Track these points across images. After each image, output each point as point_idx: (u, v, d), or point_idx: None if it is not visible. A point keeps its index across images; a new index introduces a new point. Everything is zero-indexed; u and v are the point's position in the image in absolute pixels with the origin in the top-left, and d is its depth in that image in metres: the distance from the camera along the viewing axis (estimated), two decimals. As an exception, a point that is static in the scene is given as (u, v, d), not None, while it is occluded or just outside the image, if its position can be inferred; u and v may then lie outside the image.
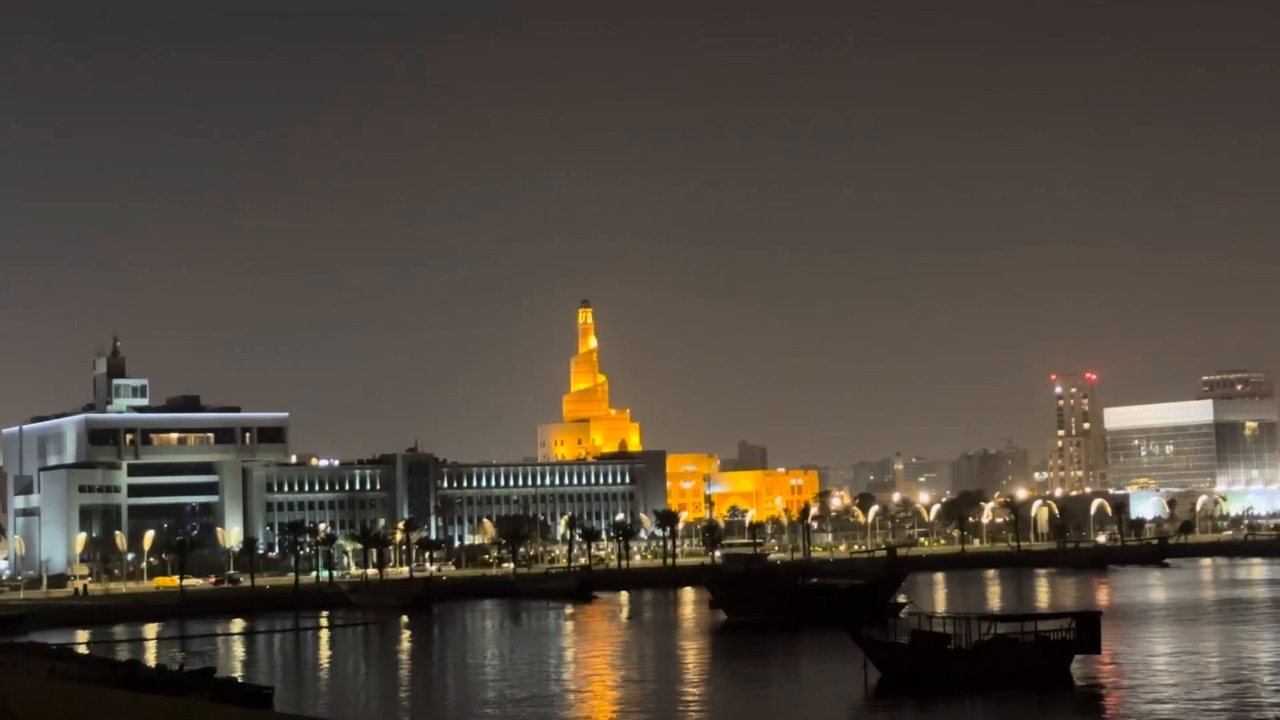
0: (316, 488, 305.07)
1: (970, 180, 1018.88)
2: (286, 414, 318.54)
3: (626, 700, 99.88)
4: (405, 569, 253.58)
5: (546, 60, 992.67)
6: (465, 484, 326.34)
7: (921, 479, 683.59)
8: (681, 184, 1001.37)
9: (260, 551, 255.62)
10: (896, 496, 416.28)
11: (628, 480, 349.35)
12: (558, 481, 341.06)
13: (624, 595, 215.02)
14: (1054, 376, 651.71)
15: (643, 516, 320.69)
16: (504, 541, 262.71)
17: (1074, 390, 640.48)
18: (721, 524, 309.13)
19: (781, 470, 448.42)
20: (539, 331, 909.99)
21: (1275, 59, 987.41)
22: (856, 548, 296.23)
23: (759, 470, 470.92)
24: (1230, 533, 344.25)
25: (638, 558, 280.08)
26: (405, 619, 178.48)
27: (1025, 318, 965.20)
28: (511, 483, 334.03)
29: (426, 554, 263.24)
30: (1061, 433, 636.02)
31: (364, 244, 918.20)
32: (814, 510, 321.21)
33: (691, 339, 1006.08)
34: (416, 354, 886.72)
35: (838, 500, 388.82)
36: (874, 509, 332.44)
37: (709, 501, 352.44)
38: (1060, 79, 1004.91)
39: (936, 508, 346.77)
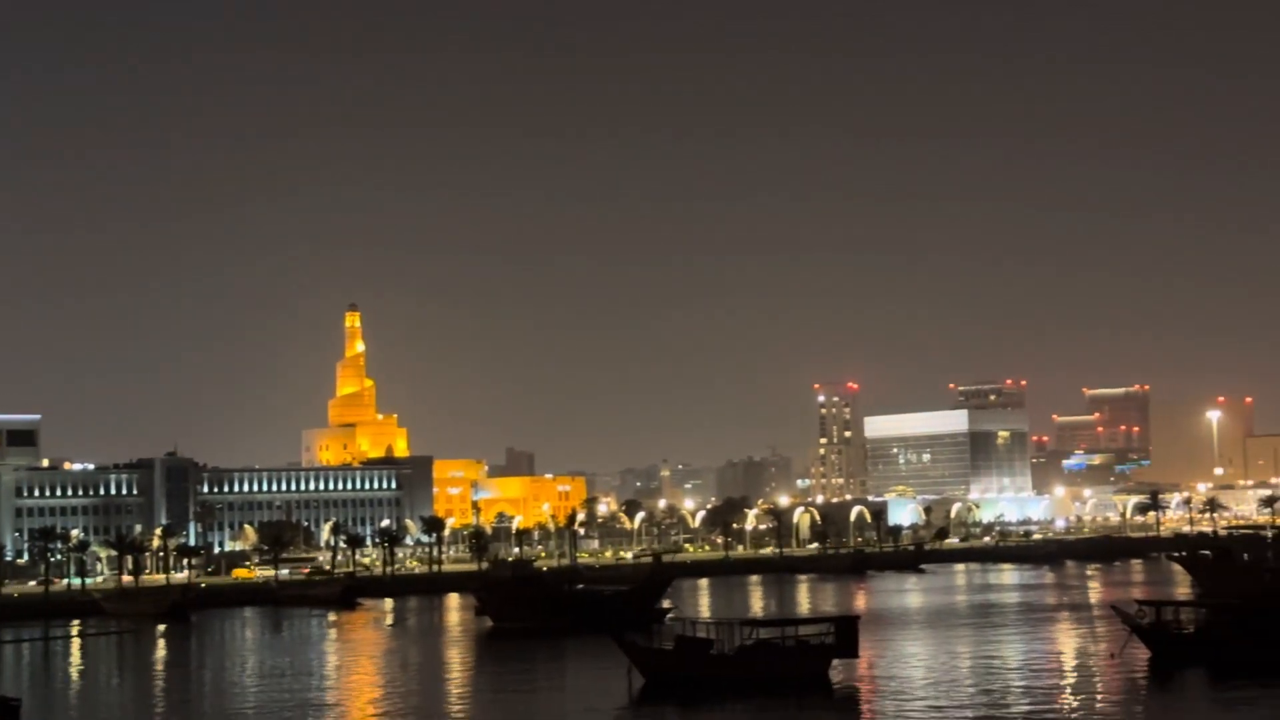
0: (70, 492, 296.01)
1: (735, 188, 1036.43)
2: (38, 416, 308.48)
3: (390, 708, 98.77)
4: (162, 576, 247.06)
5: (313, 70, 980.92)
6: (226, 489, 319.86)
7: (687, 486, 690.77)
8: (448, 193, 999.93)
9: (9, 559, 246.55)
10: (662, 503, 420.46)
11: (394, 486, 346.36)
12: (322, 487, 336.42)
13: (389, 602, 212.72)
14: (816, 385, 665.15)
15: (409, 522, 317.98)
16: (265, 548, 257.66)
17: (836, 399, 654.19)
18: (489, 530, 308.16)
19: (549, 476, 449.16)
20: (305, 336, 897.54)
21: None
22: (623, 554, 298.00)
23: (526, 476, 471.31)
24: (984, 539, 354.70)
25: (404, 564, 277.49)
26: (161, 627, 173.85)
27: (789, 327, 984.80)
28: (274, 488, 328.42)
29: (186, 560, 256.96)
30: (823, 441, 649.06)
31: (126, 247, 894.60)
32: (581, 516, 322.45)
33: (459, 345, 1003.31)
34: (179, 358, 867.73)
35: (605, 506, 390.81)
36: (640, 515, 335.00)
37: (476, 507, 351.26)
38: (807, 82, 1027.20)
39: (702, 514, 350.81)
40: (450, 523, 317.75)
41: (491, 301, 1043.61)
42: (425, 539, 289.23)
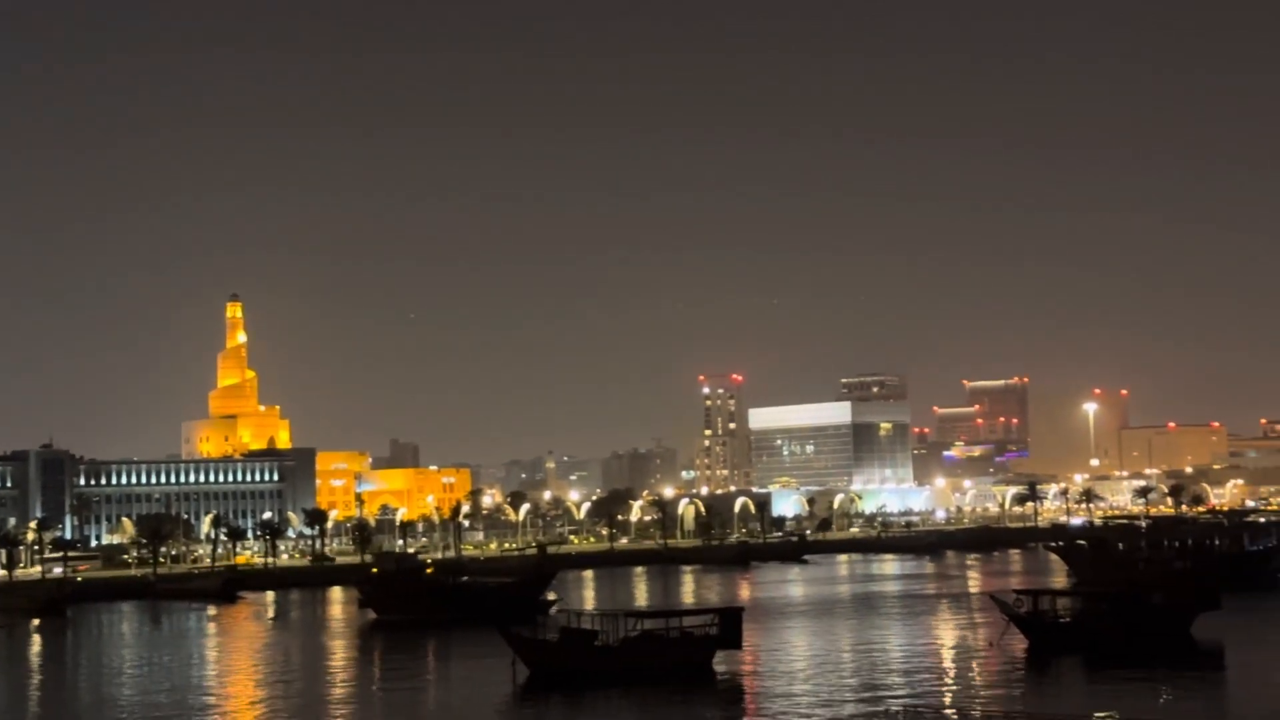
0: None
1: (619, 183, 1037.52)
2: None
3: (271, 702, 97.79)
4: (37, 569, 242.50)
5: (192, 68, 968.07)
6: (104, 481, 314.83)
7: (573, 477, 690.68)
8: (331, 191, 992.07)
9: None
10: (548, 495, 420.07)
11: (276, 478, 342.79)
12: (203, 479, 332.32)
13: (270, 595, 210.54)
14: (702, 377, 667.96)
15: (291, 515, 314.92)
16: (144, 541, 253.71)
17: (721, 391, 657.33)
18: (372, 522, 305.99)
19: (434, 468, 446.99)
20: (187, 329, 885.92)
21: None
22: (508, 546, 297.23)
23: (411, 468, 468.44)
24: (867, 530, 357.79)
25: (285, 557, 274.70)
26: (36, 622, 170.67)
27: (674, 320, 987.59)
28: (154, 480, 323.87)
29: (63, 554, 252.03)
30: (709, 432, 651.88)
31: (3, 241, 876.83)
32: (466, 508, 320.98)
33: (344, 338, 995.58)
34: (57, 350, 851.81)
35: (490, 498, 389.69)
36: (525, 507, 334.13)
37: (360, 500, 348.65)
38: (702, 79, 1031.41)
39: (587, 506, 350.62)
40: (333, 515, 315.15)
41: (376, 295, 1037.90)
42: (308, 531, 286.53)
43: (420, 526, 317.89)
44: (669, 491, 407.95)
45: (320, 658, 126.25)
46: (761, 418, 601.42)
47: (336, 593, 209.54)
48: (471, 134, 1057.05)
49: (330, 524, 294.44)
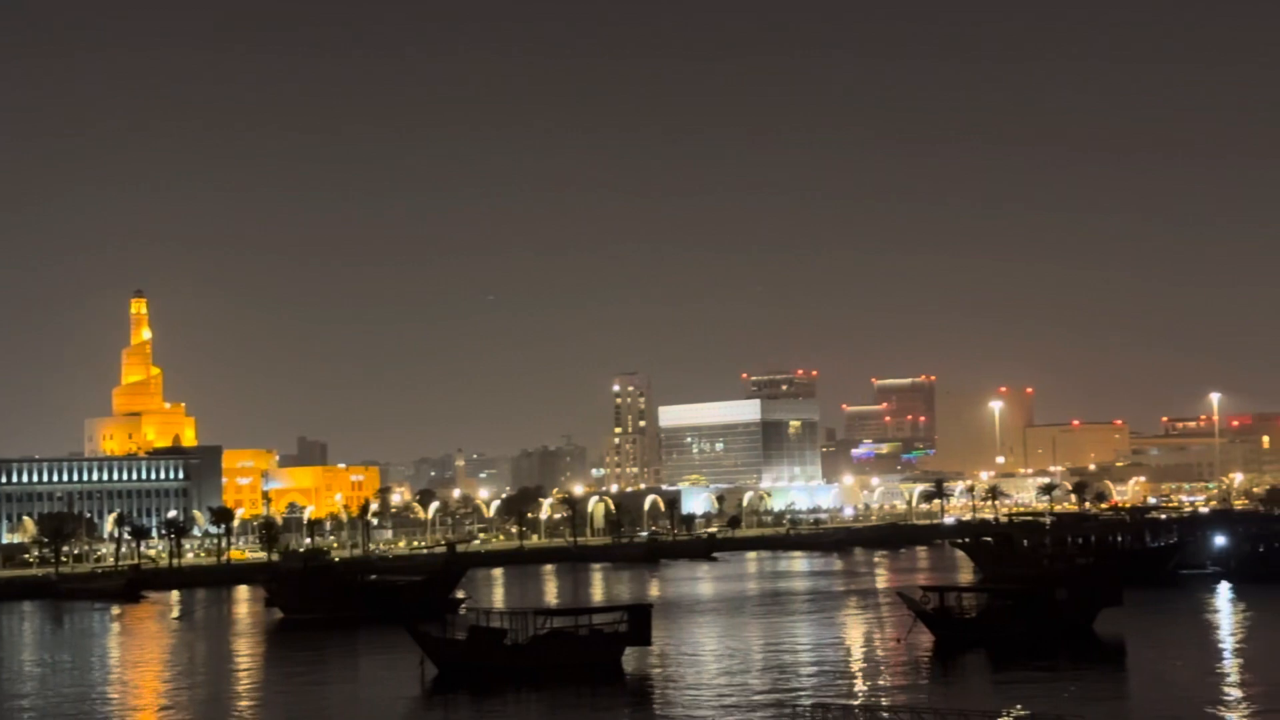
0: None
1: (528, 182, 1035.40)
2: None
3: (175, 702, 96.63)
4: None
5: (103, 65, 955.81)
6: (5, 480, 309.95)
7: (482, 475, 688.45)
8: (236, 188, 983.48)
9: None
10: (457, 493, 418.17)
11: (181, 476, 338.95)
12: (106, 477, 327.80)
13: (175, 594, 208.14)
14: (612, 375, 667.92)
15: (196, 513, 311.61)
16: (46, 540, 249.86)
17: (631, 389, 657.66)
18: (280, 520, 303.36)
19: (342, 466, 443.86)
20: (90, 326, 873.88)
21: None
22: (416, 544, 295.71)
23: (319, 466, 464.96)
24: (776, 527, 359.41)
25: (190, 556, 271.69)
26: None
27: (585, 317, 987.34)
28: (55, 478, 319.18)
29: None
30: (618, 430, 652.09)
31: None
32: (374, 506, 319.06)
33: (251, 335, 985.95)
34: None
35: (399, 496, 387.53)
36: (434, 505, 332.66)
37: (267, 498, 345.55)
38: (603, 77, 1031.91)
39: (496, 504, 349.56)
40: (240, 513, 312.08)
41: (282, 291, 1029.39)
42: (214, 530, 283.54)
43: (328, 525, 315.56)
44: (579, 489, 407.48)
45: (225, 657, 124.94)
46: (671, 415, 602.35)
47: (243, 591, 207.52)
48: (379, 132, 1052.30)
49: (237, 522, 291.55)
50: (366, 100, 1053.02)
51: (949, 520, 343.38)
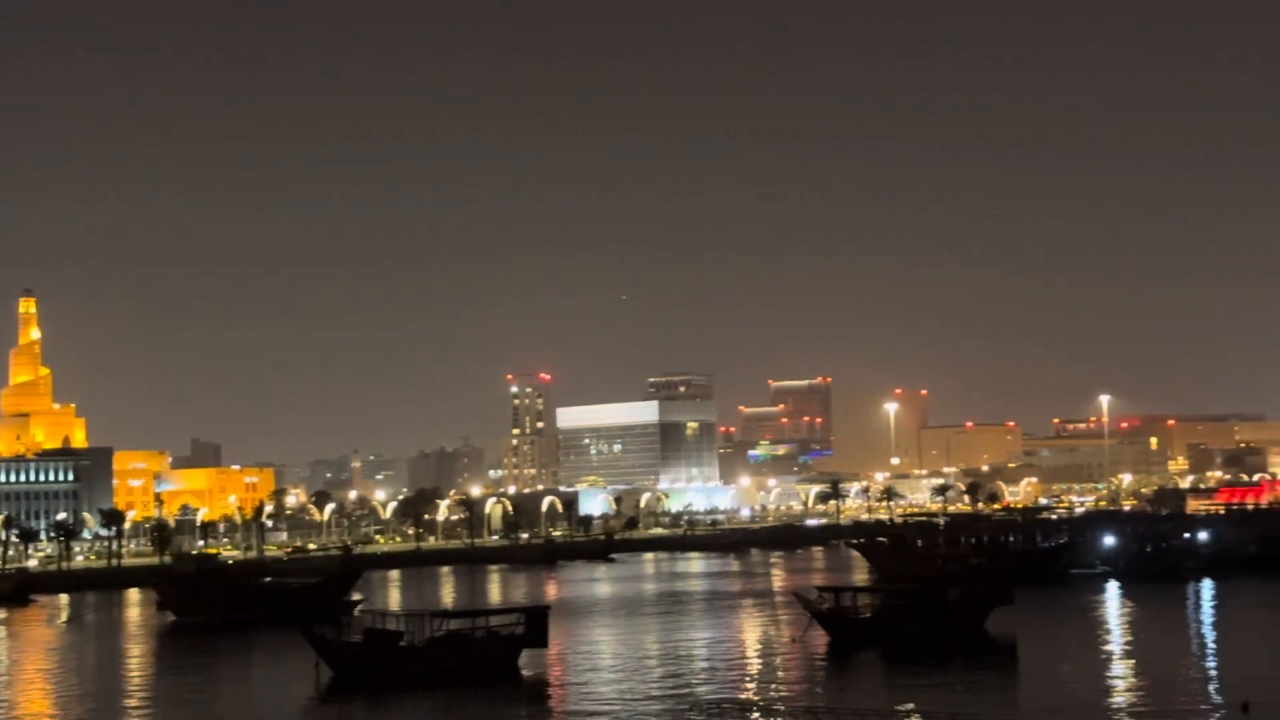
0: None
1: (425, 185, 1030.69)
2: None
3: (64, 706, 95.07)
4: None
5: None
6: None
7: (379, 477, 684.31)
8: (130, 189, 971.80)
9: None
10: (353, 494, 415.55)
11: (71, 478, 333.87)
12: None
13: (64, 598, 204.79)
14: (510, 376, 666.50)
15: (86, 516, 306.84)
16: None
17: (529, 390, 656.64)
18: (172, 523, 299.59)
19: (236, 468, 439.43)
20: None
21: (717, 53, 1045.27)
22: (312, 546, 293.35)
23: (213, 468, 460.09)
24: (673, 528, 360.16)
25: (81, 559, 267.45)
26: None
27: (483, 318, 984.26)
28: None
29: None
30: (516, 431, 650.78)
31: None
32: (269, 508, 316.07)
33: (143, 335, 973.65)
34: None
35: (294, 498, 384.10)
36: (330, 507, 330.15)
37: (159, 500, 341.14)
38: (500, 81, 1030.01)
39: (393, 505, 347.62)
40: (131, 516, 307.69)
41: (176, 292, 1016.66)
42: (104, 532, 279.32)
43: (222, 527, 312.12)
44: (476, 491, 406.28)
45: (116, 661, 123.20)
46: (569, 417, 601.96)
47: (134, 595, 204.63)
48: (279, 139, 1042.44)
49: (128, 525, 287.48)
50: (263, 106, 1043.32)
51: (811, 523, 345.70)
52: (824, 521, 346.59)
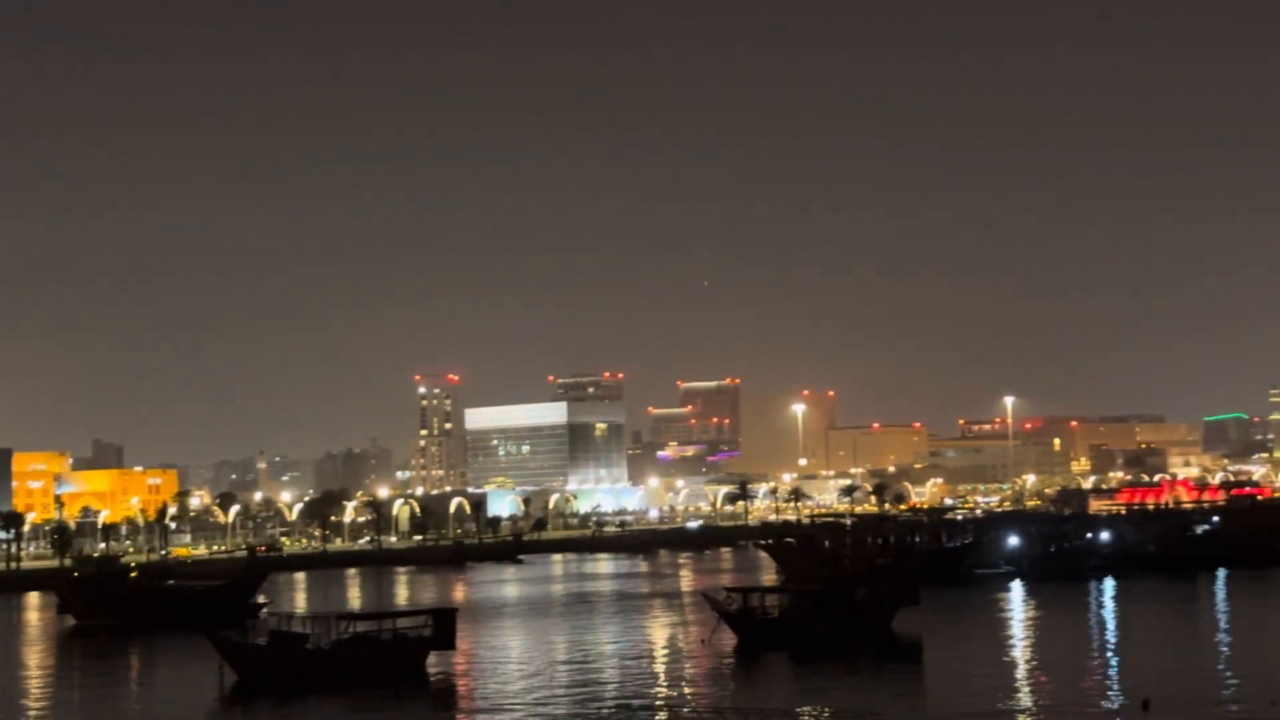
0: None
1: (331, 187, 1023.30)
2: None
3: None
4: None
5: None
6: None
7: (285, 478, 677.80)
8: (23, 181, 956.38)
9: None
10: (258, 496, 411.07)
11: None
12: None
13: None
14: (417, 377, 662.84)
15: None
16: None
17: (437, 391, 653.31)
18: (73, 525, 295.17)
19: (139, 469, 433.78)
20: None
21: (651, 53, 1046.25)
22: (216, 548, 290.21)
23: (115, 469, 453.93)
24: (582, 530, 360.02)
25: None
26: None
27: (390, 318, 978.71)
28: None
29: None
30: (424, 432, 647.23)
31: None
32: (173, 510, 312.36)
33: (42, 334, 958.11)
34: None
35: (198, 500, 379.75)
36: (235, 509, 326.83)
37: (59, 502, 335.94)
38: (391, 84, 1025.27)
39: (299, 507, 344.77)
40: (31, 518, 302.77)
41: (75, 290, 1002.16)
42: (3, 535, 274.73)
43: (124, 529, 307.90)
44: (384, 492, 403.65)
45: (15, 666, 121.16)
46: (478, 418, 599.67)
47: (34, 598, 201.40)
48: (181, 139, 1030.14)
49: (28, 527, 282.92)
50: (143, 107, 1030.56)
51: (693, 524, 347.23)
52: (701, 524, 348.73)
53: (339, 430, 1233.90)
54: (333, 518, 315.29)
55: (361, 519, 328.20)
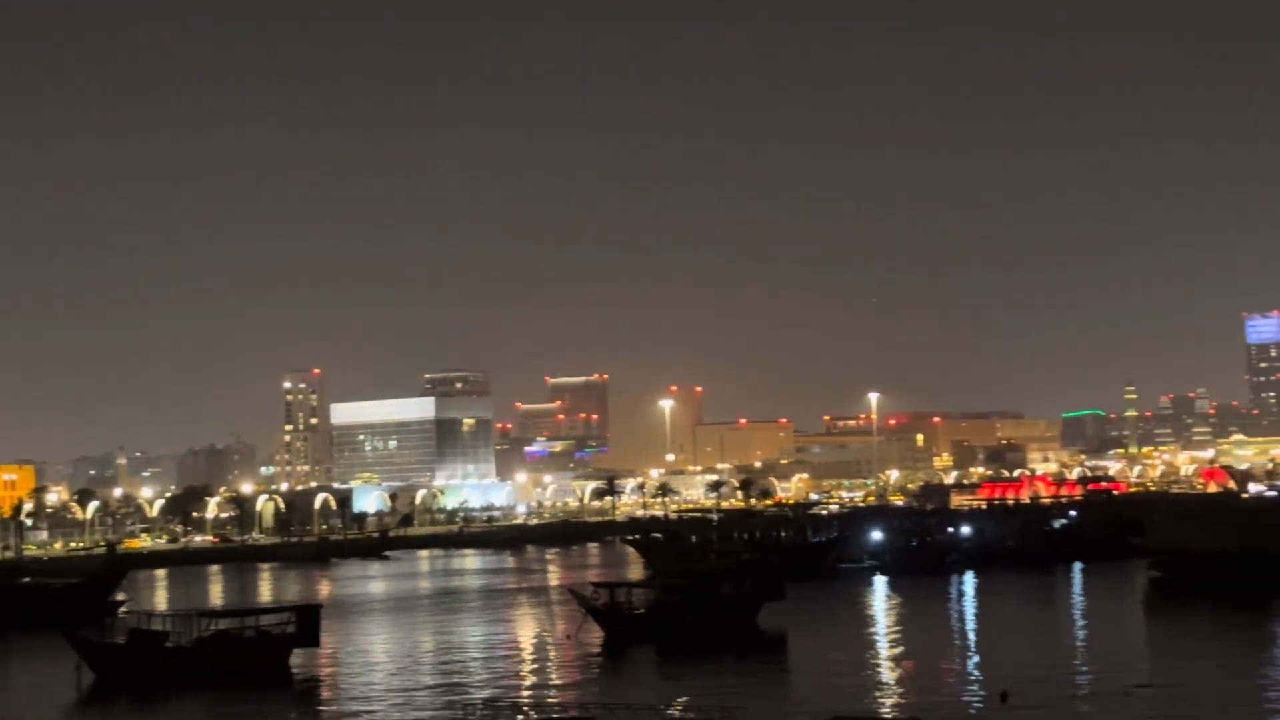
0: None
1: (197, 176, 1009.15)
2: None
3: None
4: None
5: None
6: None
7: (146, 474, 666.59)
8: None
9: None
10: (119, 492, 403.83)
11: None
12: None
13: None
14: (282, 372, 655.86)
15: None
16: None
17: (303, 386, 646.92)
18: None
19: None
20: None
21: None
22: (74, 545, 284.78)
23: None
24: (449, 525, 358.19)
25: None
26: None
27: (256, 312, 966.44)
28: None
29: None
30: (289, 427, 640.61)
31: None
32: (29, 506, 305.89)
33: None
34: None
35: (55, 496, 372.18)
36: (94, 505, 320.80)
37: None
38: (259, 69, 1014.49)
39: (161, 503, 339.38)
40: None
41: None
42: None
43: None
44: (247, 488, 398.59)
45: None
46: (344, 413, 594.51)
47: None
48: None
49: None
50: (33, 96, 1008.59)
51: (529, 516, 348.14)
52: (541, 520, 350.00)
53: (202, 426, 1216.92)
54: (195, 513, 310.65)
55: (224, 515, 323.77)
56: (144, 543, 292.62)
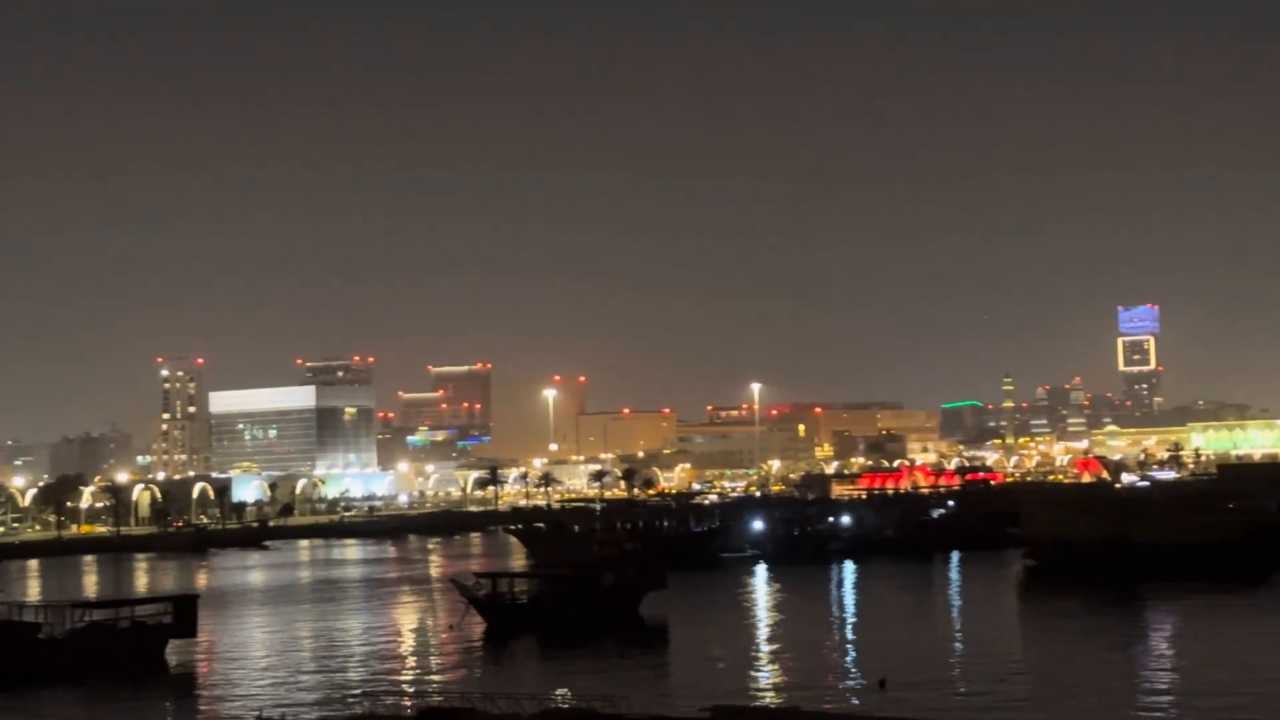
0: None
1: (79, 162, 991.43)
2: None
3: None
4: None
5: None
6: None
7: (17, 463, 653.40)
8: None
9: None
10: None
11: None
12: None
13: None
14: (160, 359, 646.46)
15: None
16: None
17: (180, 373, 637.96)
18: None
19: None
20: None
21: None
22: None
23: None
24: (330, 515, 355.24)
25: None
26: None
27: (132, 298, 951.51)
28: None
29: None
30: (167, 416, 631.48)
31: None
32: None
33: None
34: None
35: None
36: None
37: None
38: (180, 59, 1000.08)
39: (33, 492, 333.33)
40: None
41: None
42: None
43: None
44: (123, 477, 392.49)
45: None
46: (223, 401, 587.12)
47: None
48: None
49: None
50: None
51: (412, 505, 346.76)
52: (423, 510, 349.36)
53: (76, 413, 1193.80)
54: (69, 504, 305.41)
55: (99, 504, 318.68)
56: (18, 531, 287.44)
